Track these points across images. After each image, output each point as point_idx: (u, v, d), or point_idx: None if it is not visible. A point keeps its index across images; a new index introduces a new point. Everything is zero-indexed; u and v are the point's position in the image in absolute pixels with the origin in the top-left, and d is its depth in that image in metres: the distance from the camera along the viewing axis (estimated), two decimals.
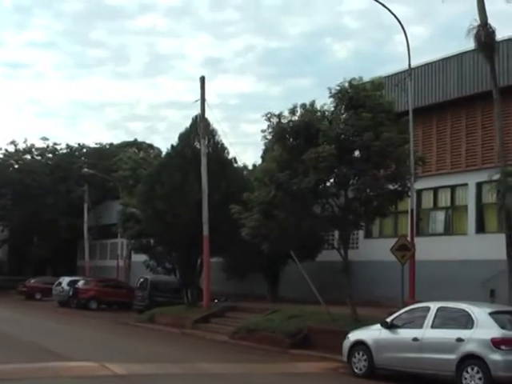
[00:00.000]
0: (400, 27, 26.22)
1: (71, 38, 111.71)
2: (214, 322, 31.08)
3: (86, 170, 62.15)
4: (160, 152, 58.63)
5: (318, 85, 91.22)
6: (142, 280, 41.41)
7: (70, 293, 47.28)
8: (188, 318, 31.88)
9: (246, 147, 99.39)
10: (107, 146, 73.04)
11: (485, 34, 25.08)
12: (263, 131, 24.99)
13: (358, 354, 18.43)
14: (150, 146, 71.68)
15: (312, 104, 25.10)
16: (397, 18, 25.96)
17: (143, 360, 20.27)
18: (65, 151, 71.45)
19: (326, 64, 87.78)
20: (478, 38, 25.26)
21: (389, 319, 18.15)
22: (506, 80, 28.61)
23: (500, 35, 26.55)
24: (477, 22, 25.36)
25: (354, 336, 18.99)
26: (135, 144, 71.37)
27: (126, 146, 70.98)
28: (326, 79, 78.74)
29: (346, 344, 18.98)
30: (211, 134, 35.81)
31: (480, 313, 16.18)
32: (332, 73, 77.08)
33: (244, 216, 25.84)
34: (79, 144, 72.79)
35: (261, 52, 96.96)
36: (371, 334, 18.48)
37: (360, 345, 18.49)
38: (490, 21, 25.29)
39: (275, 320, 26.91)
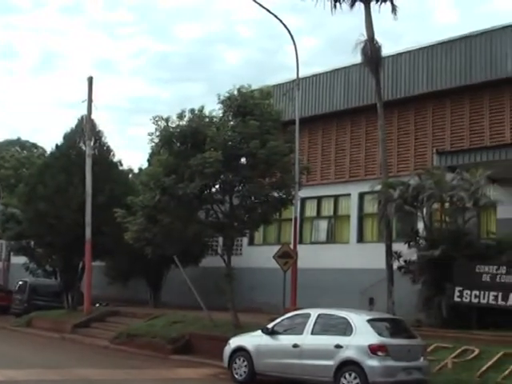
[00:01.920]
0: (291, 38, 26.61)
1: None
2: (95, 327, 30.54)
3: None
4: (44, 151, 57.33)
5: (209, 91, 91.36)
6: (20, 283, 40.26)
7: None
8: (68, 322, 31.21)
9: (133, 150, 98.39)
10: None
11: (371, 48, 25.78)
12: (150, 135, 24.77)
13: (239, 359, 18.48)
14: (34, 146, 70.02)
15: (201, 110, 25.09)
16: (287, 29, 26.34)
17: (20, 366, 19.64)
18: None
19: (218, 71, 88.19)
20: (364, 52, 25.95)
21: (270, 325, 18.30)
22: (390, 94, 29.52)
23: (386, 51, 27.42)
24: (364, 36, 26.04)
25: (235, 342, 19.03)
26: (18, 143, 69.57)
27: (8, 144, 69.08)
28: (218, 86, 78.94)
29: (227, 350, 19.00)
30: (97, 135, 35.23)
31: (358, 320, 16.53)
32: (223, 80, 77.47)
33: (128, 220, 25.57)
34: None
35: (153, 55, 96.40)
36: (252, 340, 18.58)
37: (241, 351, 18.55)
38: (377, 37, 26.07)
39: (157, 325, 26.73)
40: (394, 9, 26.79)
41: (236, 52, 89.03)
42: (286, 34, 26.66)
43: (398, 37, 64.02)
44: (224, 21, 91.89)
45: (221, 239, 27.77)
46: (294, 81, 27.78)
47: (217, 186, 25.05)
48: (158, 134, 24.62)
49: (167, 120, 24.51)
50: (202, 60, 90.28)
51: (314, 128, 33.47)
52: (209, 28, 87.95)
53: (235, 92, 24.75)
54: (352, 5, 27.07)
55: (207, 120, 24.93)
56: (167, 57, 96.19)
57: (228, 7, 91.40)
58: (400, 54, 30.04)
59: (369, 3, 26.42)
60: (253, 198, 24.79)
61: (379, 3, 26.83)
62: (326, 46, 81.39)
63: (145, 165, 38.37)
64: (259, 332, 18.48)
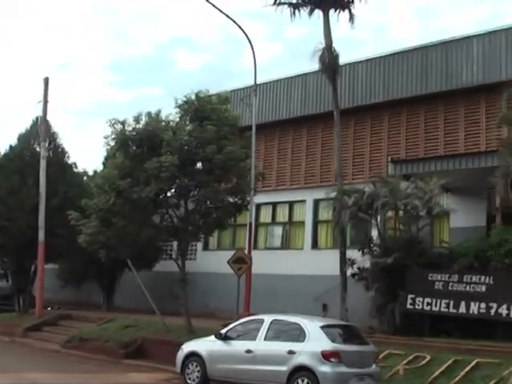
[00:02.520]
0: (249, 43, 26.66)
1: None
2: (47, 331, 30.15)
3: None
4: None
5: (167, 95, 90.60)
6: None
7: None
8: (19, 325, 30.74)
9: (88, 153, 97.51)
10: None
11: (329, 56, 26.02)
12: (106, 137, 24.58)
13: (192, 365, 18.41)
14: None
15: (157, 113, 24.99)
16: (245, 34, 26.37)
17: None
18: None
19: (177, 75, 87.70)
20: (322, 60, 26.17)
21: (223, 331, 18.27)
22: (346, 102, 29.74)
23: (345, 59, 27.65)
24: (322, 44, 26.23)
25: (187, 347, 18.97)
26: None
27: None
28: (176, 90, 78.36)
29: (180, 355, 18.92)
30: (52, 136, 34.85)
31: (312, 326, 16.58)
32: (182, 84, 77.06)
33: (82, 223, 25.34)
34: None
35: (112, 58, 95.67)
36: (205, 345, 18.53)
37: (194, 356, 18.48)
38: (336, 45, 26.30)
39: (109, 329, 26.52)
40: (351, 17, 27.11)
41: (195, 57, 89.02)
42: (246, 40, 26.72)
43: (357, 45, 64.52)
44: (183, 25, 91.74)
45: (175, 243, 27.73)
46: (251, 86, 27.83)
47: (172, 191, 24.96)
48: (113, 136, 24.45)
49: (123, 123, 24.35)
50: (161, 64, 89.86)
51: (270, 134, 33.56)
52: (168, 32, 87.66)
53: (193, 96, 24.72)
54: (311, 12, 27.32)
55: (164, 124, 24.85)
56: (126, 59, 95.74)
57: (187, 12, 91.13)
58: (357, 63, 30.28)
59: (327, 11, 26.65)
60: (208, 202, 24.77)
61: (337, 12, 27.09)
62: (285, 52, 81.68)
63: (100, 167, 38.04)
64: (212, 337, 18.45)
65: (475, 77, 26.82)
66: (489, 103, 26.56)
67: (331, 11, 26.85)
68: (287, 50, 79.71)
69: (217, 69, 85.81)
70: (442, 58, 27.77)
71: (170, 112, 25.25)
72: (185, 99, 24.65)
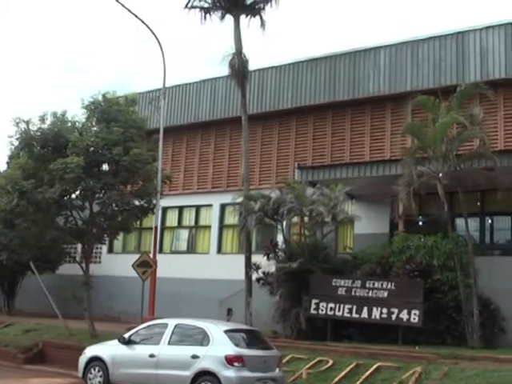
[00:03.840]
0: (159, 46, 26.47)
1: None
2: None
3: None
4: None
5: (76, 96, 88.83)
6: None
7: None
8: None
9: None
10: None
11: (239, 62, 26.06)
12: (10, 137, 24.04)
13: (94, 369, 18.09)
14: None
15: (63, 113, 24.60)
16: (156, 37, 26.13)
17: None
18: None
19: (87, 76, 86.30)
20: (232, 65, 26.20)
21: (126, 335, 18.04)
22: (255, 108, 29.93)
23: (254, 65, 27.78)
24: (233, 49, 26.29)
25: (90, 351, 18.65)
26: None
27: None
28: (87, 92, 76.94)
29: (83, 359, 18.58)
30: None
31: (215, 331, 16.55)
32: (92, 86, 75.86)
33: None
34: None
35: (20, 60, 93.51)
36: (108, 349, 18.25)
37: (96, 360, 18.17)
38: (250, 51, 26.40)
39: (9, 334, 25.90)
40: (262, 24, 27.24)
41: (105, 57, 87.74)
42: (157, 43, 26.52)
43: (272, 52, 64.86)
44: (94, 25, 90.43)
45: (79, 246, 27.26)
46: (160, 89, 27.66)
47: (77, 192, 24.58)
48: (17, 136, 23.91)
49: (28, 122, 23.84)
50: (73, 66, 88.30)
51: (178, 137, 33.49)
52: (80, 32, 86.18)
53: (100, 97, 24.42)
54: (222, 17, 27.36)
55: (70, 124, 24.48)
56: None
57: (99, 13, 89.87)
58: (266, 69, 30.51)
59: (238, 17, 26.73)
60: (114, 205, 24.48)
61: (249, 17, 27.19)
62: (197, 56, 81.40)
63: (3, 167, 37.12)
64: (116, 341, 18.18)
65: (381, 87, 27.41)
66: (394, 113, 27.18)
67: (242, 17, 26.94)
68: (200, 54, 79.60)
69: (127, 71, 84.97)
70: (349, 67, 28.26)
71: (76, 113, 24.94)
72: (91, 100, 24.35)
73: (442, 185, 20.72)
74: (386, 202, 24.43)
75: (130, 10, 25.65)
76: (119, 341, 17.98)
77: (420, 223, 26.07)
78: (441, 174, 20.81)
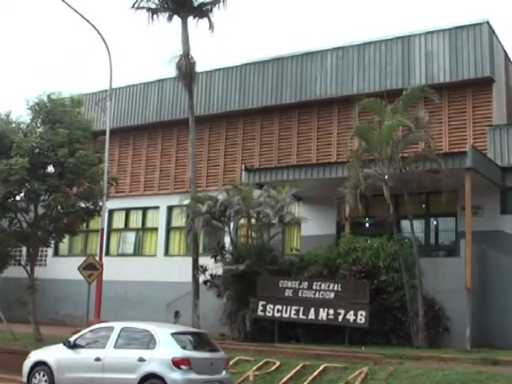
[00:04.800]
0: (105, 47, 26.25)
1: None
2: None
3: None
4: None
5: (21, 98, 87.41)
6: None
7: None
8: None
9: None
10: None
11: (186, 63, 25.97)
12: None
13: (39, 374, 17.84)
14: None
15: (7, 114, 24.31)
16: (102, 38, 25.91)
17: None
18: None
19: (33, 78, 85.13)
20: (179, 66, 26.10)
21: (72, 339, 17.82)
22: (202, 109, 29.89)
23: (201, 67, 27.73)
24: (180, 51, 26.19)
25: (35, 356, 18.38)
26: None
27: None
28: (29, 92, 75.84)
29: (27, 364, 18.30)
30: None
31: (162, 333, 16.45)
32: (34, 86, 74.85)
33: None
34: None
35: None
36: (53, 353, 18.01)
37: (41, 365, 17.91)
38: (194, 52, 26.33)
39: None
40: (211, 25, 27.16)
41: (47, 59, 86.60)
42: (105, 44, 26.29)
43: (223, 54, 64.81)
44: (39, 26, 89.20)
45: (24, 249, 26.92)
46: (107, 90, 27.42)
47: (22, 194, 24.26)
48: None
49: None
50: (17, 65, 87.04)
51: (125, 139, 33.27)
52: (24, 33, 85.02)
53: (45, 98, 24.14)
54: (170, 18, 27.20)
55: (14, 125, 24.15)
56: None
57: (45, 12, 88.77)
58: (214, 71, 30.50)
59: (186, 18, 26.63)
60: (59, 207, 24.23)
61: (197, 19, 27.10)
62: (146, 57, 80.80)
63: None
64: (61, 345, 17.97)
65: (328, 89, 27.60)
66: (341, 115, 27.40)
67: (190, 18, 26.85)
68: (148, 55, 79.11)
69: (73, 71, 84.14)
70: (296, 69, 28.39)
71: (20, 114, 24.64)
72: (36, 101, 24.06)
73: (388, 187, 20.94)
74: (332, 204, 24.55)
75: (76, 10, 25.43)
76: (64, 345, 17.76)
77: (366, 225, 26.30)
78: (387, 177, 21.01)
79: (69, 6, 25.25)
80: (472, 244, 21.15)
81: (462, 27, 25.46)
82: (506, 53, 27.05)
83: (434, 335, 20.69)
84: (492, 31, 25.41)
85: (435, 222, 25.85)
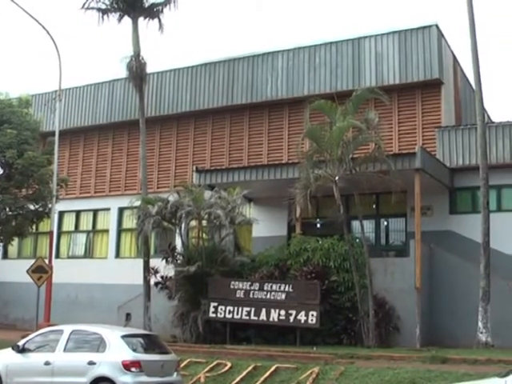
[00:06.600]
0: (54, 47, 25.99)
1: None
2: None
3: None
4: None
5: None
6: None
7: None
8: None
9: None
10: None
11: (137, 64, 25.84)
12: None
13: None
14: None
15: None
16: (51, 37, 25.70)
17: None
18: None
19: None
20: (129, 67, 25.96)
21: (20, 343, 17.57)
22: (153, 111, 29.77)
23: (152, 67, 27.59)
24: (131, 52, 26.06)
25: None
26: None
27: None
28: None
29: None
30: None
31: (112, 336, 16.32)
32: None
33: None
34: None
35: None
36: (1, 358, 17.69)
37: None
38: (144, 53, 26.20)
39: None
40: (161, 26, 27.10)
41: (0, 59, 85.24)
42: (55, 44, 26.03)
43: (170, 55, 64.56)
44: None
45: None
46: (56, 91, 27.15)
47: None
48: None
49: None
50: None
51: (75, 140, 32.97)
52: None
53: None
54: (120, 19, 27.04)
55: None
56: None
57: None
58: (165, 72, 30.38)
59: (136, 19, 26.50)
60: (7, 209, 23.92)
61: (147, 20, 26.99)
62: (97, 58, 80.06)
63: None
64: (10, 350, 17.72)
65: (279, 91, 27.69)
66: (292, 117, 27.51)
67: (141, 19, 26.73)
68: (99, 55, 78.47)
69: (22, 72, 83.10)
70: (247, 70, 28.43)
71: None
72: None
73: (338, 188, 21.05)
74: (283, 205, 24.61)
75: (23, 9, 25.18)
76: (13, 349, 17.49)
77: (317, 226, 26.46)
78: (337, 177, 21.13)
79: (16, 4, 24.99)
80: (421, 244, 21.41)
81: (411, 30, 25.77)
82: (454, 55, 27.41)
83: (385, 334, 20.88)
84: (441, 34, 25.74)
85: (385, 223, 26.10)
